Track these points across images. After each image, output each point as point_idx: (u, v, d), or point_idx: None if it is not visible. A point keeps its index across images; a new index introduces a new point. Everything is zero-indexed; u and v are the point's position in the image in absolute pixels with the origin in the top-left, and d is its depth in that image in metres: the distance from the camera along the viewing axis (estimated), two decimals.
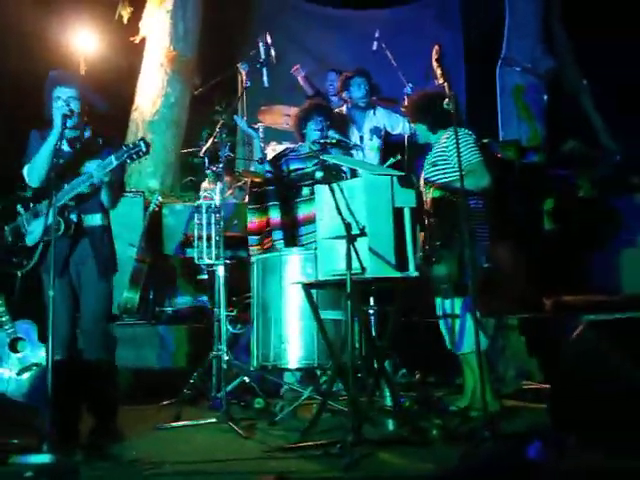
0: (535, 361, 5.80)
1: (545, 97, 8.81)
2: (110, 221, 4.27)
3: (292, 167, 5.39)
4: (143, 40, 8.55)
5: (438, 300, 4.62)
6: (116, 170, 4.02)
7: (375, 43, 7.32)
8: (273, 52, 6.67)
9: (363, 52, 8.01)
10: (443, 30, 9.86)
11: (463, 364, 4.62)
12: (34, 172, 4.07)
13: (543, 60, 8.77)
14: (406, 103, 4.94)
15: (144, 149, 3.94)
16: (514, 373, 5.69)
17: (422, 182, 4.62)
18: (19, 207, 4.22)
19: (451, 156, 4.46)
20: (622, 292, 6.63)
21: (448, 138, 4.52)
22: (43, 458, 3.45)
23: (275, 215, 5.41)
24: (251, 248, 5.50)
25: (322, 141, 5.22)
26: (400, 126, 6.46)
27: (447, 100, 4.06)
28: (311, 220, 5.22)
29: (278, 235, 5.37)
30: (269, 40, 6.63)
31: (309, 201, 5.28)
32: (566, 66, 8.92)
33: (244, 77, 7.57)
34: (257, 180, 5.38)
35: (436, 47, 6.61)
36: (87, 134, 4.24)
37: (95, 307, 4.15)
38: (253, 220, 5.52)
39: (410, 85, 7.15)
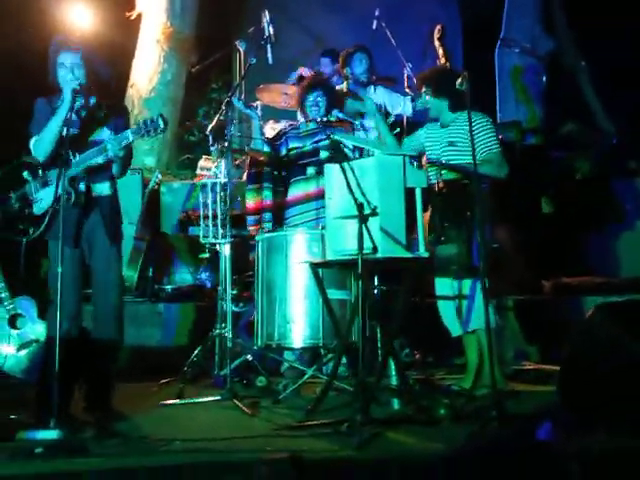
0: (534, 343, 5.85)
1: (544, 78, 8.79)
2: (117, 189, 4.24)
3: (290, 145, 5.34)
4: (139, 16, 8.47)
5: (442, 280, 4.62)
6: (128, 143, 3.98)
7: (375, 22, 7.27)
8: (272, 30, 6.61)
9: (362, 32, 7.96)
10: (440, 10, 9.81)
11: (466, 344, 4.64)
12: (41, 146, 4.02)
13: (542, 40, 8.76)
14: (426, 75, 4.78)
15: (162, 126, 3.89)
16: (512, 354, 5.74)
17: (424, 161, 4.61)
18: (26, 174, 4.14)
19: (476, 142, 4.29)
20: (620, 275, 6.67)
21: (472, 122, 4.32)
22: (52, 434, 3.42)
23: (267, 197, 5.40)
24: (249, 228, 5.48)
25: (324, 119, 5.19)
26: (401, 106, 6.43)
27: (460, 80, 4.03)
28: (300, 201, 5.23)
29: (268, 217, 5.36)
30: (268, 17, 6.57)
31: (302, 181, 5.26)
32: (565, 46, 8.90)
33: (242, 55, 7.57)
34: (259, 159, 5.33)
35: (438, 26, 6.60)
36: (92, 101, 4.18)
37: (108, 274, 4.13)
38: (250, 201, 5.50)
39: (410, 65, 7.14)
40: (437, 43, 6.48)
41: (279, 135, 5.52)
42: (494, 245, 4.47)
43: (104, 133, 4.10)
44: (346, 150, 4.99)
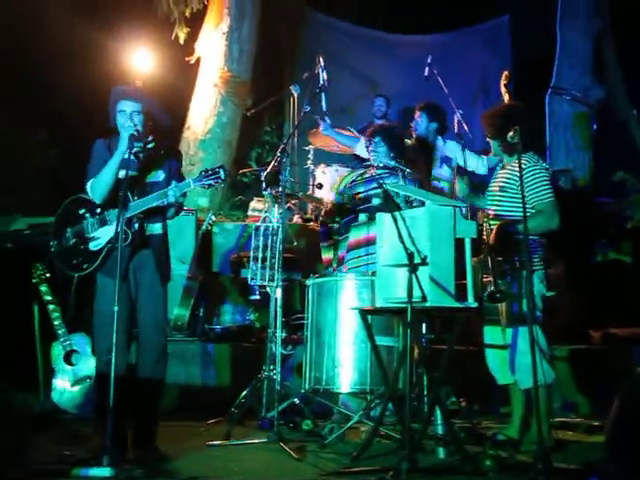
0: (582, 393, 5.78)
1: (594, 126, 8.78)
2: (167, 230, 4.35)
3: (355, 191, 5.43)
4: (198, 60, 8.71)
5: (491, 329, 4.61)
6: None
7: (427, 69, 7.37)
8: (325, 76, 6.76)
9: (414, 78, 8.09)
10: (490, 57, 9.92)
11: (512, 393, 4.61)
12: (98, 189, 4.15)
13: (593, 89, 8.76)
14: (487, 115, 4.70)
15: (223, 177, 4.03)
16: (560, 404, 5.68)
17: (480, 214, 4.63)
18: (83, 210, 4.27)
19: (525, 188, 4.21)
20: None
21: (525, 168, 4.28)
22: (104, 472, 3.51)
23: (342, 249, 5.46)
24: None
25: (381, 165, 5.30)
26: (476, 163, 6.46)
27: (512, 134, 4.07)
28: (358, 245, 5.30)
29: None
30: (322, 63, 6.73)
31: (359, 226, 5.33)
32: (616, 95, 8.89)
33: (295, 99, 7.74)
34: (325, 212, 5.46)
35: (505, 73, 6.60)
36: (150, 145, 4.30)
37: (155, 312, 4.22)
38: (326, 255, 5.67)
39: (460, 111, 7.20)
40: (503, 89, 6.50)
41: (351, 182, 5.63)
42: (549, 294, 4.44)
43: (160, 175, 4.24)
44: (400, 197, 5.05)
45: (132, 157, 4.12)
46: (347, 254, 5.35)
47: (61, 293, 5.55)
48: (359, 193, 5.38)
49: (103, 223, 4.20)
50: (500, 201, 4.49)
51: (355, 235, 5.32)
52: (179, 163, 4.40)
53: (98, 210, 4.23)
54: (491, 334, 4.61)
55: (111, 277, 3.99)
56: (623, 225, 7.64)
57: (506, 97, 6.36)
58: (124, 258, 4.10)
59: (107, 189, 4.12)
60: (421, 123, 6.51)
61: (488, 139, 4.67)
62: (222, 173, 4.02)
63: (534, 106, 9.01)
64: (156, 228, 4.27)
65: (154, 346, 4.21)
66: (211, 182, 4.05)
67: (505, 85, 6.47)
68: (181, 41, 8.53)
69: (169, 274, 4.37)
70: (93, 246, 4.19)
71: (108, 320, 3.84)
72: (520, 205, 4.12)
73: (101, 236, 4.18)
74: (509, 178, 4.46)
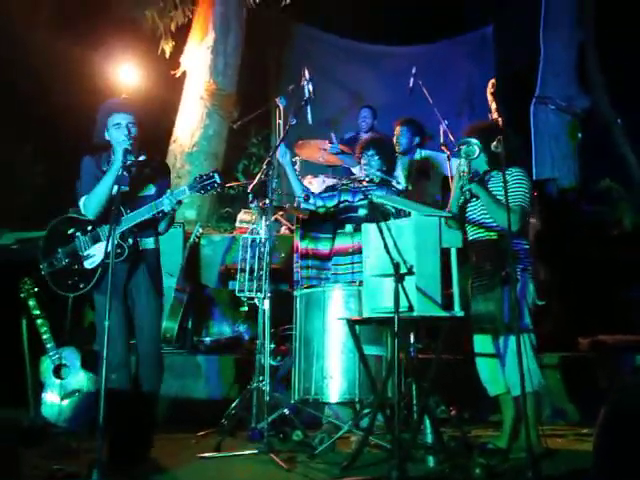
0: (571, 401, 5.81)
1: (579, 135, 8.85)
2: (159, 245, 4.37)
3: (342, 198, 5.45)
4: (184, 74, 8.74)
5: (481, 337, 4.63)
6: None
7: (412, 80, 7.43)
8: (311, 88, 6.78)
9: (399, 90, 8.14)
10: (475, 67, 9.98)
11: (502, 402, 4.63)
12: (92, 205, 4.15)
13: (578, 99, 8.83)
14: (468, 132, 4.64)
15: (218, 181, 4.04)
16: (549, 412, 5.71)
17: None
18: (72, 230, 4.26)
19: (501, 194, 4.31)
20: None
21: (510, 174, 4.37)
22: None
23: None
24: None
25: (367, 178, 5.33)
26: (442, 167, 6.54)
27: (495, 143, 4.11)
28: (345, 253, 5.33)
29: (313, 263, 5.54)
30: (307, 75, 6.75)
31: (345, 235, 5.36)
32: (600, 104, 8.96)
33: (282, 111, 7.76)
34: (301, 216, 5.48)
35: (492, 81, 6.65)
36: (140, 158, 4.27)
37: (151, 326, 4.24)
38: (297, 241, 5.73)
39: (446, 121, 7.26)
40: (490, 98, 6.54)
41: (333, 187, 5.66)
42: (539, 303, 4.47)
43: (152, 189, 4.25)
44: (390, 209, 5.06)
45: (124, 172, 4.15)
46: (333, 259, 5.39)
47: (49, 308, 5.55)
48: (345, 201, 5.41)
49: (96, 240, 4.19)
50: (480, 210, 4.48)
51: (341, 242, 5.36)
52: (169, 178, 4.40)
53: (89, 227, 4.23)
54: (481, 343, 4.63)
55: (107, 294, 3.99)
56: (610, 232, 7.70)
57: (493, 105, 6.41)
58: (120, 274, 4.12)
59: (101, 205, 4.11)
60: (405, 138, 6.58)
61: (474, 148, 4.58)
62: (217, 177, 4.04)
63: (519, 116, 9.11)
64: (149, 243, 4.28)
65: (152, 359, 4.23)
66: (207, 187, 4.06)
67: (492, 93, 6.52)
68: (167, 55, 8.57)
69: (162, 287, 4.39)
70: (88, 264, 4.19)
71: (111, 336, 3.83)
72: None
73: (95, 253, 4.18)
74: (495, 185, 4.47)
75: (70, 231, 4.27)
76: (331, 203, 5.41)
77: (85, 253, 4.21)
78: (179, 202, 4.11)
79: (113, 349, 3.85)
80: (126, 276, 4.19)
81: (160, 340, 4.39)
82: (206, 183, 4.06)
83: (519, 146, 4.68)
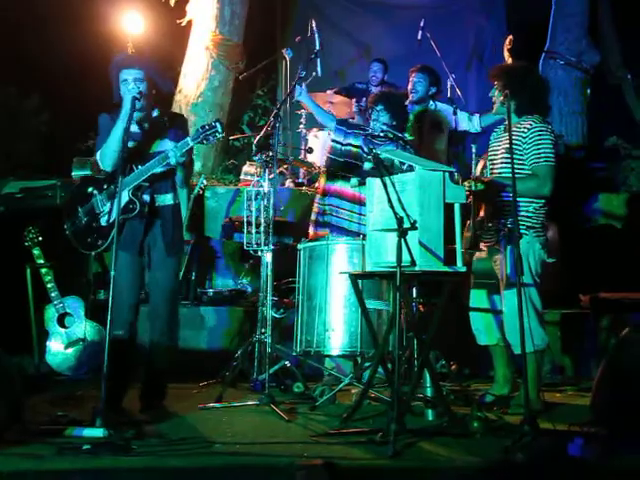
0: (569, 356, 5.86)
1: (588, 91, 8.73)
2: (179, 200, 4.38)
3: (354, 142, 5.41)
4: (189, 23, 8.61)
5: (478, 292, 4.64)
6: (188, 149, 4.12)
7: (420, 32, 7.32)
8: (318, 40, 6.70)
9: (407, 42, 8.03)
10: (485, 21, 9.82)
11: (494, 354, 4.66)
12: (106, 157, 4.17)
13: (588, 54, 8.68)
14: (496, 70, 4.57)
15: (220, 130, 4.02)
16: (549, 367, 5.75)
17: (481, 163, 4.63)
18: (91, 189, 4.33)
19: (529, 150, 4.31)
20: None
21: (531, 128, 4.34)
22: (97, 432, 3.55)
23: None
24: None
25: (377, 133, 5.30)
26: (466, 125, 6.43)
27: (502, 98, 4.07)
28: (342, 196, 5.36)
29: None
30: (315, 27, 6.66)
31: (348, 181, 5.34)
32: (611, 56, 8.81)
33: (288, 62, 7.69)
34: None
35: (510, 37, 6.52)
36: (155, 114, 4.32)
37: (164, 284, 4.28)
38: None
39: (453, 75, 7.17)
40: (507, 54, 6.42)
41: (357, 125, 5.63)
42: (549, 260, 4.45)
43: (166, 144, 4.21)
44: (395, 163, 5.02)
45: (137, 127, 4.14)
46: (327, 198, 5.40)
47: (56, 257, 5.59)
48: (359, 147, 5.37)
49: (111, 197, 4.22)
50: (507, 162, 4.25)
51: (341, 185, 5.36)
52: (185, 130, 4.35)
53: (105, 185, 4.27)
54: (478, 297, 4.65)
55: (123, 250, 4.09)
56: (615, 191, 7.65)
57: (509, 61, 6.29)
58: (136, 230, 4.19)
59: (115, 156, 4.10)
60: (421, 86, 6.42)
61: (495, 94, 4.50)
62: (219, 126, 4.03)
63: None
64: (167, 199, 4.29)
65: (161, 315, 4.27)
66: (209, 137, 4.05)
67: (509, 50, 6.40)
68: (172, 3, 8.40)
69: (181, 245, 4.46)
70: (104, 221, 4.24)
71: (123, 293, 4.01)
72: (525, 167, 4.14)
73: (110, 210, 4.21)
74: (515, 139, 4.30)
75: (89, 190, 4.34)
76: (356, 141, 5.38)
77: (101, 210, 4.26)
78: (187, 153, 4.10)
79: (122, 305, 3.91)
80: (142, 232, 4.22)
81: (174, 297, 4.39)
82: (208, 133, 4.05)
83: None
